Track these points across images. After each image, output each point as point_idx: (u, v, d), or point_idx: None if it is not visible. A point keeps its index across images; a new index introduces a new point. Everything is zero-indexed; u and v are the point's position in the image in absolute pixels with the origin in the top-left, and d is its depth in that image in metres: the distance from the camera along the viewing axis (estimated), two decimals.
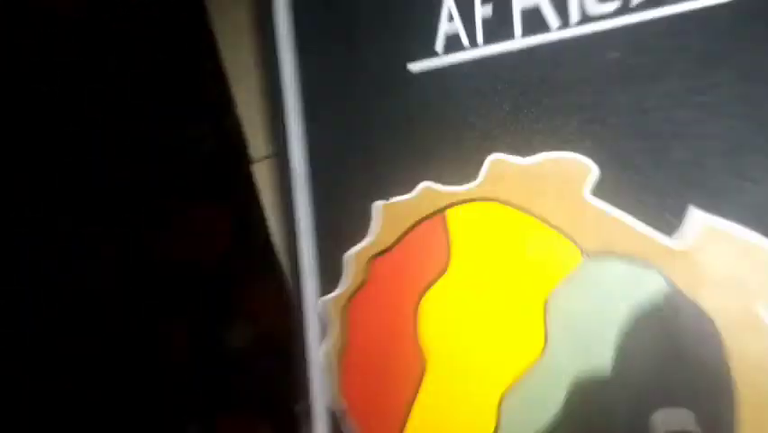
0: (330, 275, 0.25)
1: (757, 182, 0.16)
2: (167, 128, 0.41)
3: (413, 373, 0.23)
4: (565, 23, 0.19)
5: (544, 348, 0.20)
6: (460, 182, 0.21)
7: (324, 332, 0.25)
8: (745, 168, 0.17)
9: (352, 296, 0.24)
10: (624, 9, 0.18)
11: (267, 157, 0.27)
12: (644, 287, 0.18)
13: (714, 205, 0.17)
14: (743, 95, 0.17)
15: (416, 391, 0.23)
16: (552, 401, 0.20)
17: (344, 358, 0.25)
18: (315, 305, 0.25)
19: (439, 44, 0.21)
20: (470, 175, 0.21)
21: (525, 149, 0.20)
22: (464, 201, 0.21)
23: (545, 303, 0.20)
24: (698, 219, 0.17)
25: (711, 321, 0.17)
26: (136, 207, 0.42)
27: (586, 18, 0.19)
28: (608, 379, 0.19)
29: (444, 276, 0.22)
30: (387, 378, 0.24)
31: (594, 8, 0.18)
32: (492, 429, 0.21)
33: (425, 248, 0.22)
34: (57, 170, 0.40)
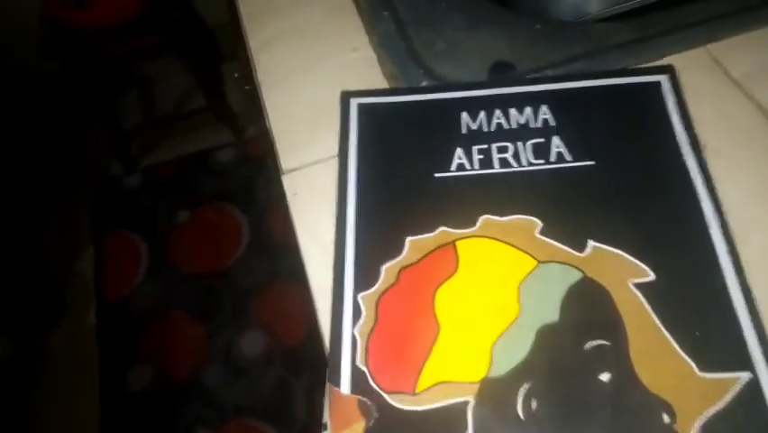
0: (367, 281, 0.36)
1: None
2: None
3: (429, 336, 0.33)
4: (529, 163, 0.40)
5: (519, 313, 0.34)
6: (464, 228, 0.37)
7: (356, 319, 0.35)
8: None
9: (384, 293, 0.36)
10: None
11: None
12: (569, 276, 0.34)
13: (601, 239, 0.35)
14: None
15: (431, 349, 0.33)
16: (525, 344, 0.32)
17: (371, 337, 0.34)
18: (351, 299, 0.35)
19: (453, 166, 0.40)
20: (471, 224, 0.37)
21: (501, 214, 0.37)
22: (468, 237, 0.37)
23: (518, 287, 0.34)
24: (592, 245, 0.35)
25: (603, 287, 0.33)
26: None
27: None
28: (556, 324, 0.33)
29: (454, 276, 0.35)
30: (406, 344, 0.33)
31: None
32: (487, 365, 0.32)
33: (441, 262, 0.36)
34: None
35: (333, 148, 0.42)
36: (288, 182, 0.42)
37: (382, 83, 0.45)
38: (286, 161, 0.43)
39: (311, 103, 0.45)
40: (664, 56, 0.43)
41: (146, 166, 1.50)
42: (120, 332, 1.24)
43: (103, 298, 1.29)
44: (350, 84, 0.45)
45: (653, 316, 0.32)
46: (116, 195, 1.45)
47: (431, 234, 0.37)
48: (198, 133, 1.50)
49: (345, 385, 0.33)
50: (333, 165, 0.41)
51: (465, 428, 0.30)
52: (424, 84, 0.44)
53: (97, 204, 1.44)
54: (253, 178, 1.42)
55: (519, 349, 0.32)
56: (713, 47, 0.43)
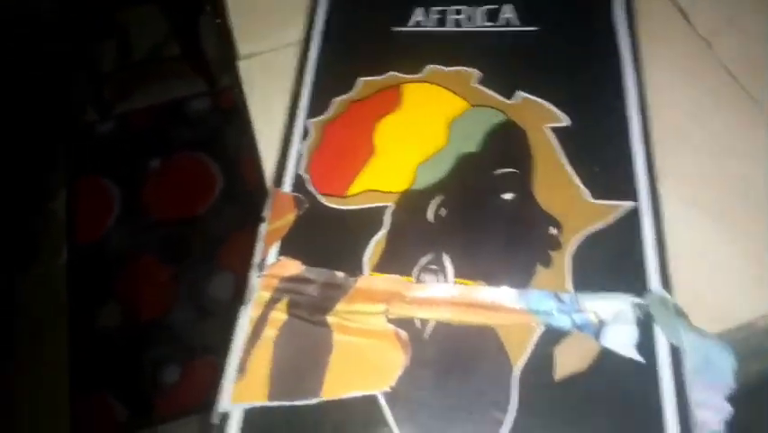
0: (319, 109, 0.41)
1: None
2: None
3: (364, 156, 0.38)
4: None
5: (446, 143, 0.38)
6: (412, 74, 0.41)
7: (304, 139, 0.40)
8: None
9: (331, 120, 0.40)
10: None
11: None
12: (494, 117, 0.39)
13: (529, 90, 0.40)
14: None
15: (365, 164, 0.38)
16: (445, 167, 0.37)
17: (315, 152, 0.39)
18: (302, 123, 0.40)
19: (411, 22, 0.44)
20: (418, 71, 0.41)
21: (446, 64, 0.41)
22: (413, 81, 0.41)
23: (449, 123, 0.39)
24: (520, 94, 0.39)
25: (521, 127, 0.38)
26: None
27: None
28: (475, 153, 0.37)
29: (396, 111, 0.40)
30: (344, 159, 0.38)
31: None
32: (410, 180, 0.37)
33: (386, 99, 0.41)
34: None
35: (293, 34, 0.45)
36: (244, 66, 0.45)
37: None
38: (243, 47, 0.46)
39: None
40: None
41: (120, 113, 1.49)
42: (91, 273, 1.27)
43: (75, 240, 1.31)
44: None
45: (561, 153, 0.37)
46: (90, 140, 1.45)
47: (381, 77, 0.42)
48: (173, 82, 1.48)
49: (287, 186, 0.38)
50: (293, 51, 0.44)
51: (382, 226, 0.36)
52: None
53: (71, 148, 1.45)
54: (226, 127, 1.43)
55: (439, 170, 0.37)
56: None
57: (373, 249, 0.35)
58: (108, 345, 1.19)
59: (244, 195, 1.31)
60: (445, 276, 0.33)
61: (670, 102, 0.40)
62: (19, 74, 1.51)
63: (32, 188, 1.41)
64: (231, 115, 1.43)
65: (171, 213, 1.32)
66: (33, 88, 1.51)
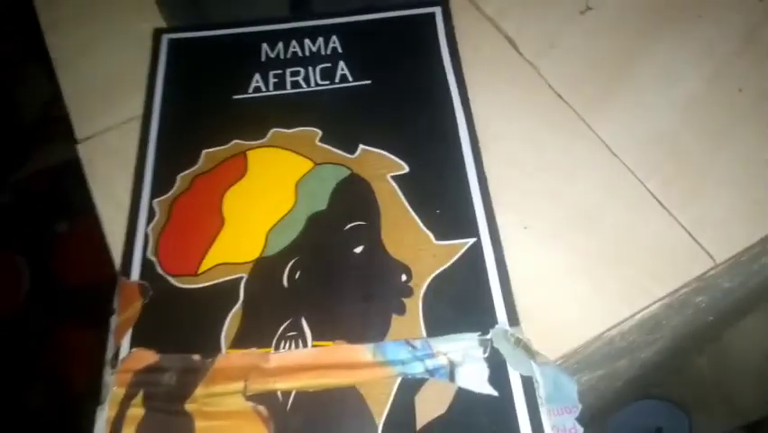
0: (163, 187, 0.40)
1: None
2: None
3: (213, 229, 0.38)
4: None
5: (294, 204, 0.39)
6: (255, 140, 0.42)
7: (150, 220, 0.38)
8: None
9: (177, 197, 0.39)
10: None
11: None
12: (339, 173, 0.40)
13: (370, 143, 0.41)
14: None
15: (215, 238, 0.37)
16: (296, 228, 0.38)
17: (162, 233, 0.38)
18: (147, 203, 0.39)
19: (250, 89, 0.45)
20: (262, 137, 0.42)
21: (289, 127, 0.42)
22: (257, 147, 0.41)
23: (296, 184, 0.39)
24: (361, 148, 0.41)
25: (366, 180, 0.39)
26: None
27: None
28: (324, 211, 0.38)
29: (242, 180, 0.40)
30: (193, 236, 0.38)
31: None
32: (261, 247, 0.37)
33: (231, 168, 0.40)
34: None
35: (132, 109, 0.45)
36: (83, 150, 0.44)
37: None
38: (80, 129, 0.45)
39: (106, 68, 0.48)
40: None
41: (15, 180, 1.39)
42: (11, 353, 1.18)
43: None
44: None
45: (404, 200, 0.38)
46: None
47: (225, 146, 0.42)
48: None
49: (135, 274, 0.37)
50: (133, 127, 0.44)
51: (237, 299, 0.35)
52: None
53: None
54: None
55: (290, 233, 0.37)
56: None
57: (229, 324, 0.34)
58: (41, 424, 1.10)
59: None
60: (305, 341, 0.34)
61: (503, 133, 0.42)
62: None
63: None
64: None
65: (84, 276, 1.18)
66: None
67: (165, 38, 0.47)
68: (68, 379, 1.14)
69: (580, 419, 0.31)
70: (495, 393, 0.31)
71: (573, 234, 0.39)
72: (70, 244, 1.29)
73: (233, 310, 0.35)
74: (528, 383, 0.31)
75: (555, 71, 0.45)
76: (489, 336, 0.33)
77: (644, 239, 0.38)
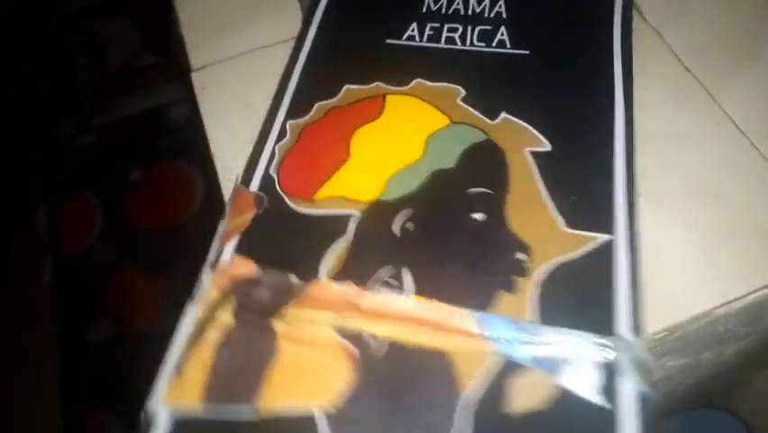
0: (299, 112, 0.40)
1: None
2: None
3: (337, 161, 0.37)
4: None
5: (421, 156, 0.37)
6: (398, 86, 0.40)
7: (280, 139, 0.38)
8: None
9: (310, 124, 0.39)
10: None
11: None
12: (474, 136, 0.37)
13: (514, 112, 0.38)
14: None
15: (336, 170, 0.37)
16: (417, 180, 0.36)
17: (288, 153, 0.38)
18: (281, 123, 0.39)
19: (404, 36, 0.43)
20: (404, 84, 0.40)
21: (433, 80, 0.40)
22: (397, 93, 0.40)
23: (428, 137, 0.38)
24: (503, 116, 0.38)
25: (501, 149, 0.37)
26: None
27: None
28: (450, 170, 0.36)
29: (376, 121, 0.39)
30: (316, 163, 0.37)
31: None
32: (380, 191, 0.35)
33: (367, 108, 0.39)
34: None
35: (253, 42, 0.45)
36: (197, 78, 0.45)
37: None
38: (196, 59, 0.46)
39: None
40: None
41: (98, 125, 1.47)
42: (77, 289, 1.24)
43: (58, 256, 1.28)
44: None
45: (538, 178, 0.35)
46: (69, 154, 1.43)
47: (367, 86, 0.41)
48: (149, 92, 1.47)
49: (254, 185, 0.37)
50: (253, 59, 0.44)
51: (345, 234, 0.34)
52: None
53: (50, 163, 1.42)
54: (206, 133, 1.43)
55: (411, 183, 0.36)
56: None
57: (333, 257, 0.33)
58: (99, 360, 1.16)
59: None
60: (403, 292, 0.32)
61: (657, 132, 0.38)
62: None
63: (12, 204, 1.38)
64: None
65: (155, 223, 1.30)
66: (7, 104, 1.49)
67: None
68: (129, 319, 1.20)
69: None
70: (605, 404, 0.27)
71: (691, 206, 0.36)
72: (142, 191, 1.34)
73: (339, 244, 0.34)
74: (642, 400, 0.28)
75: (681, 41, 0.42)
76: (608, 342, 0.29)
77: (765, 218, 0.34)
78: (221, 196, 0.38)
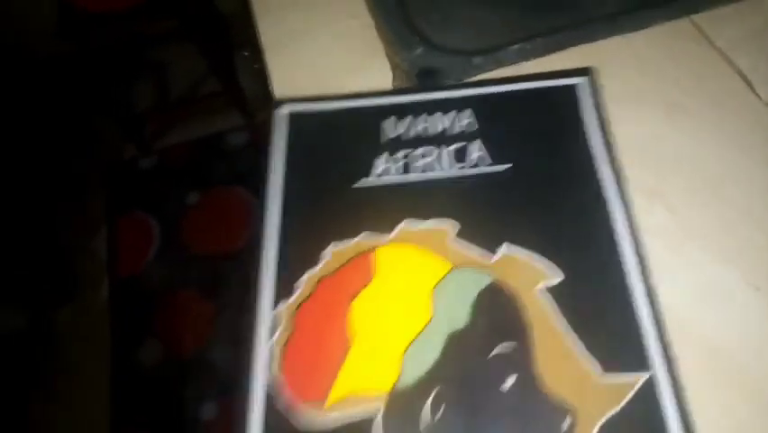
0: (287, 291, 0.36)
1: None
2: None
3: (341, 350, 0.34)
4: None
5: (431, 318, 0.34)
6: (384, 234, 0.38)
7: (274, 330, 0.35)
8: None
9: (302, 304, 0.36)
10: None
11: None
12: (480, 280, 0.35)
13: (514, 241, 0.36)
14: None
15: (344, 361, 0.34)
16: (435, 349, 0.33)
17: (287, 348, 0.35)
18: (270, 309, 0.36)
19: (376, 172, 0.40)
20: (390, 231, 0.38)
21: (420, 218, 0.38)
22: (386, 244, 0.37)
23: (432, 291, 0.35)
24: (504, 249, 0.36)
25: (511, 291, 0.34)
26: None
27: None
28: (466, 330, 0.33)
29: (371, 285, 0.36)
30: (320, 356, 0.34)
31: None
32: (397, 373, 0.33)
33: (357, 271, 0.37)
34: None
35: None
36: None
37: (379, 49, 0.48)
38: None
39: (309, 65, 0.48)
40: (647, 26, 0.45)
41: (159, 148, 1.53)
42: (131, 309, 1.28)
43: (115, 275, 1.32)
44: (348, 49, 0.48)
45: (558, 318, 0.33)
46: (130, 176, 1.48)
47: (353, 240, 0.38)
48: (210, 117, 1.53)
49: (260, 394, 0.33)
50: None
51: None
52: (417, 51, 0.45)
53: (112, 185, 1.47)
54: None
55: (428, 356, 0.33)
56: (697, 17, 0.46)
57: None
58: (148, 381, 1.18)
59: None
60: None
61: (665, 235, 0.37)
62: (56, 114, 1.57)
63: (74, 224, 1.43)
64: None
65: (210, 247, 1.33)
66: (72, 128, 1.57)
67: (283, 110, 0.44)
68: (178, 342, 1.21)
69: None
70: None
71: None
72: (199, 215, 1.38)
73: None
74: None
75: None
76: None
77: None
78: None
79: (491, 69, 0.44)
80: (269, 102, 0.45)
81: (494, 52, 0.45)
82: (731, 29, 0.45)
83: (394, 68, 0.47)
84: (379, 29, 0.48)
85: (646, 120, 0.42)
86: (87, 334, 1.26)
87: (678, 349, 0.32)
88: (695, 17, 0.46)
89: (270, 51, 0.49)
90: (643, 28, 0.46)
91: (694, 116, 0.42)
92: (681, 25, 0.46)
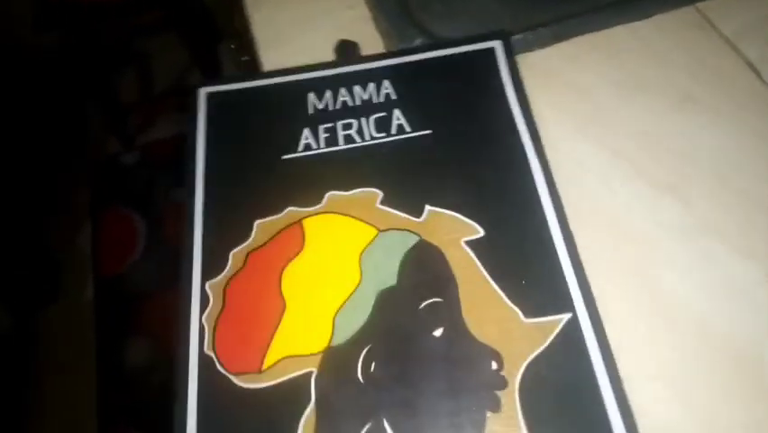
0: (215, 268, 0.36)
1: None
2: None
3: (275, 316, 0.34)
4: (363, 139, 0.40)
5: (360, 281, 0.35)
6: (311, 206, 0.38)
7: (204, 307, 0.35)
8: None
9: (231, 278, 0.36)
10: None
11: None
12: (406, 240, 0.36)
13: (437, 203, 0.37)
14: None
15: (277, 327, 0.34)
16: (365, 309, 0.34)
17: (219, 322, 0.34)
18: (199, 288, 0.35)
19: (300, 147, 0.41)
20: (317, 202, 0.38)
21: (346, 188, 0.38)
22: (314, 214, 0.38)
23: (360, 256, 0.35)
24: (428, 210, 0.37)
25: (437, 248, 0.35)
26: None
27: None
28: (394, 287, 0.34)
29: (301, 254, 0.36)
30: (253, 325, 0.34)
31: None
32: (329, 335, 0.33)
33: (288, 241, 0.37)
34: None
35: None
36: None
37: (377, 40, 0.46)
38: None
39: (304, 56, 0.45)
40: (653, 15, 0.45)
41: (143, 143, 1.50)
42: (117, 307, 1.26)
43: (100, 273, 1.30)
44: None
45: (483, 270, 0.34)
46: (114, 172, 1.45)
47: (279, 216, 0.38)
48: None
49: (193, 372, 0.33)
50: None
51: (308, 399, 0.31)
52: (416, 42, 0.45)
53: (95, 181, 1.44)
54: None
55: (360, 315, 0.33)
56: (702, 5, 0.45)
57: (303, 430, 0.31)
58: (136, 379, 1.17)
59: None
60: None
61: (578, 179, 0.38)
62: (38, 106, 1.50)
63: (57, 221, 1.38)
64: None
65: None
66: (54, 121, 1.51)
67: (202, 92, 0.44)
68: (164, 341, 1.17)
69: None
70: None
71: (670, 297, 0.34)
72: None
73: (306, 413, 0.31)
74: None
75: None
76: None
77: None
78: None
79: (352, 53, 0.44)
80: None
81: None
82: (738, 18, 0.44)
83: None
84: (376, 20, 0.47)
85: (654, 110, 0.41)
86: (72, 332, 1.24)
87: (694, 345, 0.33)
88: (701, 5, 0.45)
89: (264, 43, 0.47)
90: (648, 17, 0.45)
91: (703, 106, 0.41)
92: (688, 14, 0.45)
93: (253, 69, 0.47)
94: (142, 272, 1.29)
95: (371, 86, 0.42)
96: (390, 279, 0.34)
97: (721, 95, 0.41)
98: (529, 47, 0.44)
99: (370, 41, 0.46)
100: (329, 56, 0.45)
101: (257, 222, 0.38)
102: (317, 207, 0.38)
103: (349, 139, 0.40)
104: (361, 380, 0.32)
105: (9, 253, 1.31)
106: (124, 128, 1.48)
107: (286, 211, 0.38)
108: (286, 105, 0.42)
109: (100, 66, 1.43)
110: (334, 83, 0.43)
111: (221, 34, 1.49)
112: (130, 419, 1.14)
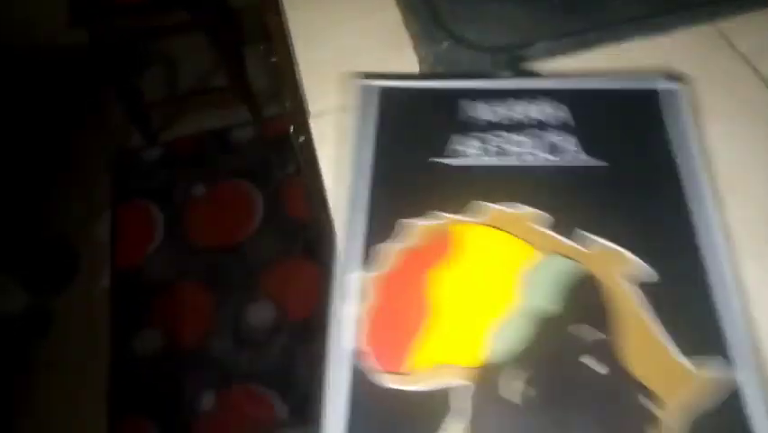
0: (369, 262, 0.36)
1: None
2: None
3: (420, 315, 0.33)
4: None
5: (518, 302, 0.34)
6: (467, 215, 0.37)
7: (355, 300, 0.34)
8: None
9: (381, 275, 0.35)
10: None
11: None
12: (572, 269, 0.34)
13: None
14: None
15: (421, 327, 0.33)
16: (523, 331, 0.33)
17: (369, 317, 0.34)
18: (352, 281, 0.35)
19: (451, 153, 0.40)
20: (475, 212, 0.37)
21: (498, 201, 0.37)
22: (469, 224, 0.37)
23: (520, 275, 0.34)
24: (597, 242, 0.35)
25: (604, 282, 0.34)
26: None
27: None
28: (554, 314, 0.33)
29: (448, 261, 0.35)
30: (399, 322, 0.33)
31: None
32: (484, 350, 0.32)
33: (435, 245, 0.36)
34: None
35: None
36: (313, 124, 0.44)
37: (407, 43, 0.47)
38: (313, 104, 0.45)
39: (338, 57, 0.47)
40: (673, 30, 0.45)
41: (166, 140, 1.52)
42: (131, 297, 1.27)
43: (117, 263, 1.31)
44: (374, 43, 0.48)
45: (648, 313, 0.33)
46: (136, 166, 1.47)
47: (434, 218, 0.37)
48: (218, 111, 1.52)
49: (344, 364, 0.32)
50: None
51: (448, 409, 0.30)
52: (443, 46, 0.45)
53: (117, 173, 1.46)
54: (270, 157, 1.44)
55: (517, 336, 0.32)
56: (721, 23, 0.46)
57: None
58: (147, 369, 1.18)
59: (286, 226, 1.33)
60: None
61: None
62: (66, 101, 1.55)
63: (78, 210, 1.41)
64: (274, 145, 1.45)
65: (213, 240, 1.32)
66: (81, 115, 1.55)
67: (376, 85, 0.43)
68: (178, 333, 1.21)
69: None
70: None
71: None
72: (204, 207, 1.38)
73: (453, 426, 0.30)
74: None
75: None
76: None
77: None
78: (286, 215, 0.36)
79: (519, 66, 0.45)
80: (276, 97, 0.46)
81: (521, 49, 0.45)
82: (755, 35, 0.46)
83: (420, 62, 0.46)
84: (406, 23, 0.48)
85: None
86: (86, 319, 1.24)
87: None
88: (719, 22, 0.46)
89: (300, 44, 0.49)
90: (667, 32, 0.46)
91: (721, 121, 0.42)
92: (706, 30, 0.46)
93: (276, 72, 0.50)
94: (158, 264, 1.30)
95: (543, 105, 0.41)
96: (552, 305, 0.33)
97: (737, 109, 0.42)
98: (551, 55, 0.45)
99: (400, 42, 0.48)
100: (359, 57, 0.47)
101: (413, 221, 0.37)
102: (466, 215, 0.37)
103: (520, 154, 0.39)
104: (518, 402, 0.31)
105: (28, 237, 1.34)
106: (148, 124, 1.50)
107: (445, 214, 0.37)
108: (453, 111, 0.42)
109: (127, 63, 1.46)
110: (508, 96, 0.42)
111: (246, 39, 1.51)
112: (141, 408, 1.15)
